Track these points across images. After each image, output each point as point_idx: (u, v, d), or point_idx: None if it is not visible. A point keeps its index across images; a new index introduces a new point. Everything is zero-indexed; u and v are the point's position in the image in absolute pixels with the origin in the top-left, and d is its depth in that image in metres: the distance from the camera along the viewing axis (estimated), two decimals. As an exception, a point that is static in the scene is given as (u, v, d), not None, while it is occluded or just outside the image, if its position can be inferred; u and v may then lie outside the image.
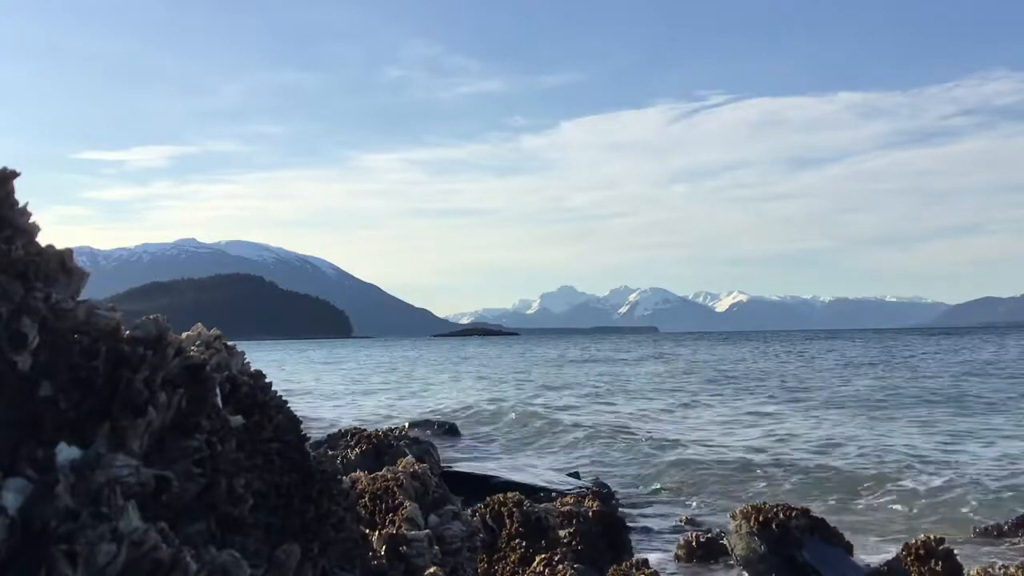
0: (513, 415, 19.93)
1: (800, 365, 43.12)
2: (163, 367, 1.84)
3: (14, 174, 1.86)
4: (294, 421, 2.24)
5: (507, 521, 5.71)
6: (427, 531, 3.15)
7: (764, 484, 10.94)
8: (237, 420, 1.99)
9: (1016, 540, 7.87)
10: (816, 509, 7.35)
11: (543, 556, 5.08)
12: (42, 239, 1.88)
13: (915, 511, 9.24)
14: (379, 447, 9.33)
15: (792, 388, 27.18)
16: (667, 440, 14.98)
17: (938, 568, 5.92)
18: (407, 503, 3.39)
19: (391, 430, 10.40)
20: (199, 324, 2.22)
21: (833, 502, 9.70)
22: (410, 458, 3.87)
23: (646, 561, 5.93)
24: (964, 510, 9.25)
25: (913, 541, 6.26)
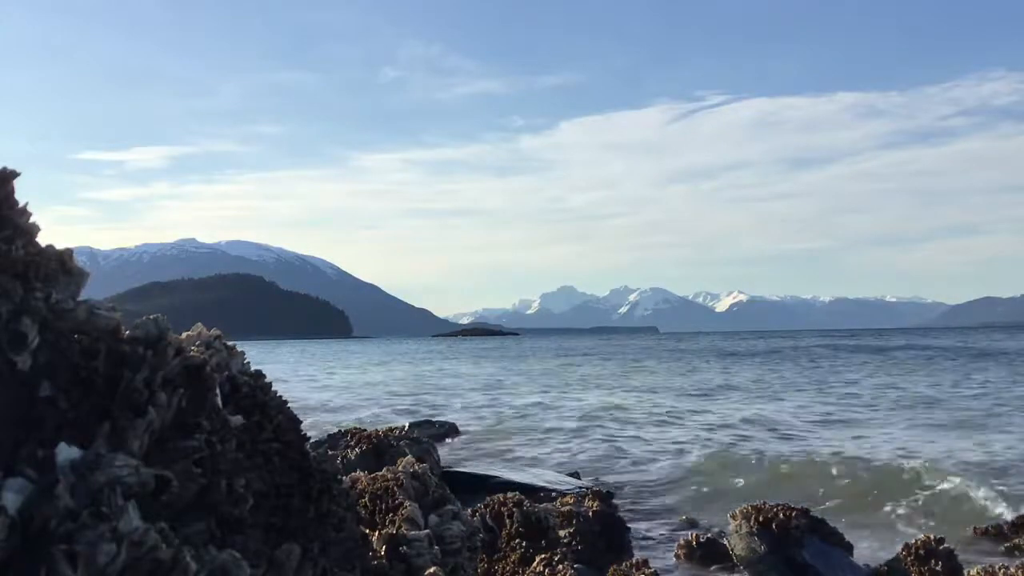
0: (510, 416, 19.93)
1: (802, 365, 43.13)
2: (163, 367, 1.84)
3: (14, 174, 1.87)
4: (294, 421, 2.24)
5: (507, 521, 5.71)
6: (427, 531, 3.16)
7: (765, 484, 10.94)
8: (237, 420, 1.99)
9: (1016, 540, 7.87)
10: (816, 509, 7.36)
11: (543, 556, 5.08)
12: (42, 239, 1.89)
13: (915, 511, 9.24)
14: (379, 447, 9.34)
15: (783, 385, 27.22)
16: (668, 438, 14.99)
17: (938, 568, 5.93)
18: (407, 503, 3.39)
19: (391, 430, 10.41)
20: (199, 324, 2.22)
21: (833, 501, 9.70)
22: (410, 458, 3.87)
23: (646, 561, 5.93)
24: (964, 510, 9.25)
25: (913, 541, 6.27)
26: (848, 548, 6.77)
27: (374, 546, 2.90)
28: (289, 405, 2.29)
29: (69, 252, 1.93)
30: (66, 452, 1.62)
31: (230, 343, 2.22)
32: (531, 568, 5.02)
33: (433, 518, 3.37)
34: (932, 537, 6.23)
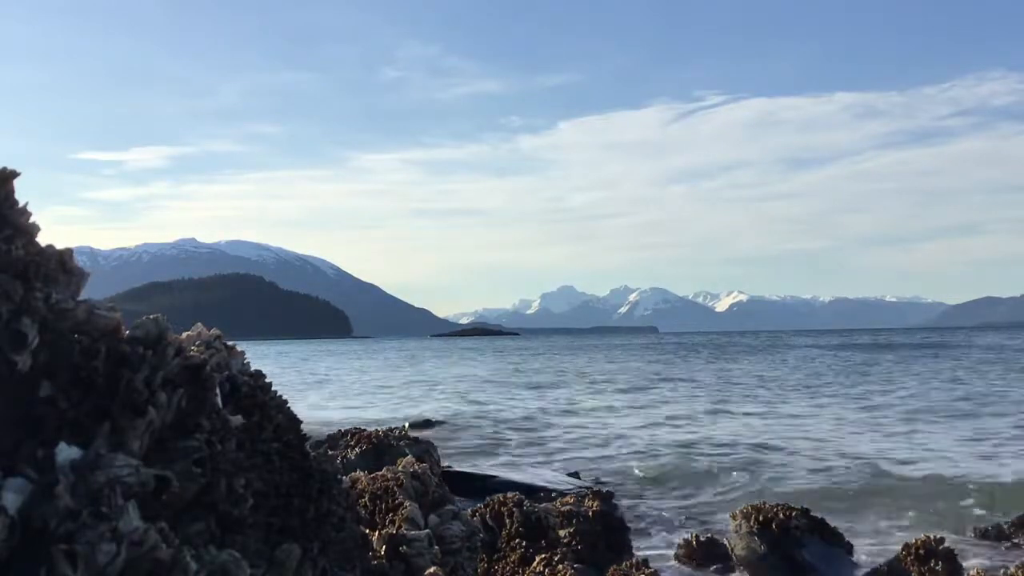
0: (509, 416, 19.94)
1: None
2: (163, 367, 1.84)
3: (14, 174, 1.87)
4: (294, 421, 2.24)
5: (507, 521, 5.71)
6: (427, 531, 3.16)
7: (764, 483, 10.94)
8: (237, 420, 1.99)
9: (1016, 540, 7.87)
10: (816, 509, 7.35)
11: (543, 556, 5.08)
12: (42, 239, 1.89)
13: (915, 511, 9.23)
14: (379, 447, 9.33)
15: (791, 387, 27.21)
16: (668, 438, 14.99)
17: (938, 568, 5.92)
18: (407, 503, 3.39)
19: (391, 430, 10.40)
20: (199, 324, 2.22)
21: (833, 501, 9.69)
22: (410, 458, 3.88)
23: (646, 561, 5.93)
24: (964, 510, 9.25)
25: (913, 541, 6.26)
26: (848, 548, 6.77)
27: (374, 546, 2.90)
28: (288, 405, 2.29)
29: (69, 252, 1.93)
30: (66, 452, 1.62)
31: (230, 343, 2.22)
32: (531, 568, 5.02)
33: (433, 518, 3.37)
34: (932, 537, 6.22)
